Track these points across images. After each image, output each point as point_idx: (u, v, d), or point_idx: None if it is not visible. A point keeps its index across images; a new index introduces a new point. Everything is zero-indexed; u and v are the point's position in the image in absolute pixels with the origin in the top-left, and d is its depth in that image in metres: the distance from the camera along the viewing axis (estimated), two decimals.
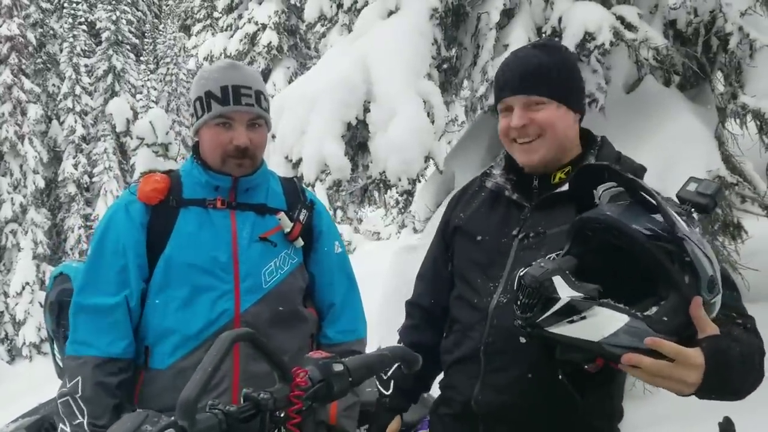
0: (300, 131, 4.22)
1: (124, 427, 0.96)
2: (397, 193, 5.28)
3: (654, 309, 1.22)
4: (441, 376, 1.83)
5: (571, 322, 1.22)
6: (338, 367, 1.24)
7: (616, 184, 1.34)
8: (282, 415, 1.16)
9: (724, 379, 1.22)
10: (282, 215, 1.95)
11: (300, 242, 1.98)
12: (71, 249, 25.65)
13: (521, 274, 1.31)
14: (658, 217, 1.24)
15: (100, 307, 1.81)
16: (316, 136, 4.15)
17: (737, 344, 1.25)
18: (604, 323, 1.21)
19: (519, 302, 1.30)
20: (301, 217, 1.98)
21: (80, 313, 1.83)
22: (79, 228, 26.23)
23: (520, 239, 1.62)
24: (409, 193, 6.07)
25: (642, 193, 1.25)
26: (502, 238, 1.65)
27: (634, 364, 1.19)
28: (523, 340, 1.47)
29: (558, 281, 1.24)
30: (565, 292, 1.22)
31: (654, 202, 1.23)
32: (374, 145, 4.12)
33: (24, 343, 20.71)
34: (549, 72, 1.59)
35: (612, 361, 1.23)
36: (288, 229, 1.94)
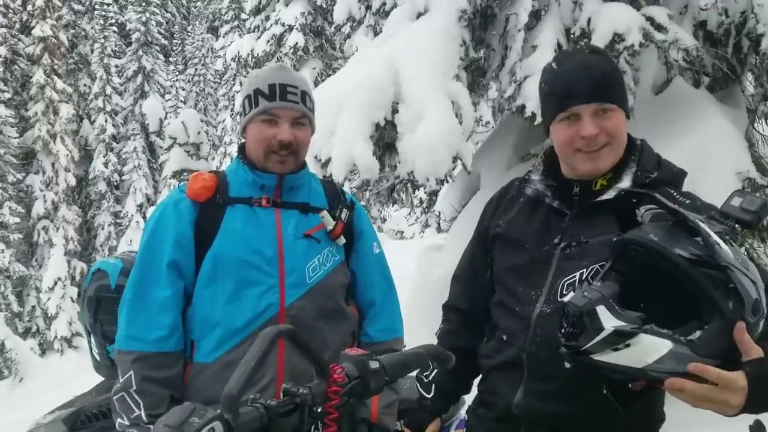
0: (329, 132, 4.26)
1: (173, 418, 0.99)
2: (425, 193, 5.29)
3: (698, 333, 1.23)
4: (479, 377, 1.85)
5: (616, 349, 1.24)
6: (374, 365, 1.26)
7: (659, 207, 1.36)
8: (319, 410, 1.19)
9: None
10: (325, 213, 1.99)
11: (342, 240, 2.02)
12: (101, 246, 26.09)
13: (565, 301, 1.32)
14: (702, 239, 1.24)
15: (151, 301, 1.85)
16: (345, 137, 4.17)
17: None
18: (648, 350, 1.22)
19: (563, 330, 1.31)
20: (343, 216, 2.03)
21: (131, 307, 1.87)
22: (109, 225, 26.67)
23: (562, 248, 1.60)
24: (434, 193, 6.08)
25: (688, 223, 1.26)
26: (543, 246, 1.64)
27: (678, 388, 1.22)
28: (567, 365, 1.46)
29: (602, 311, 1.25)
30: (610, 322, 1.24)
31: (699, 232, 1.23)
32: (402, 145, 4.13)
33: (55, 337, 21.10)
34: (615, 78, 1.57)
35: (655, 383, 1.25)
36: (330, 227, 1.99)
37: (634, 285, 1.34)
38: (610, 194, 1.59)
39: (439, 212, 6.49)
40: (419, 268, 5.81)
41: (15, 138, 24.00)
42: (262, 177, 1.94)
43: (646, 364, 1.23)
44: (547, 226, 1.66)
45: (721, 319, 1.22)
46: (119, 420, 1.81)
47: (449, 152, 3.94)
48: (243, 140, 2.03)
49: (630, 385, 1.33)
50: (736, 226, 1.31)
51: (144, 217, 23.73)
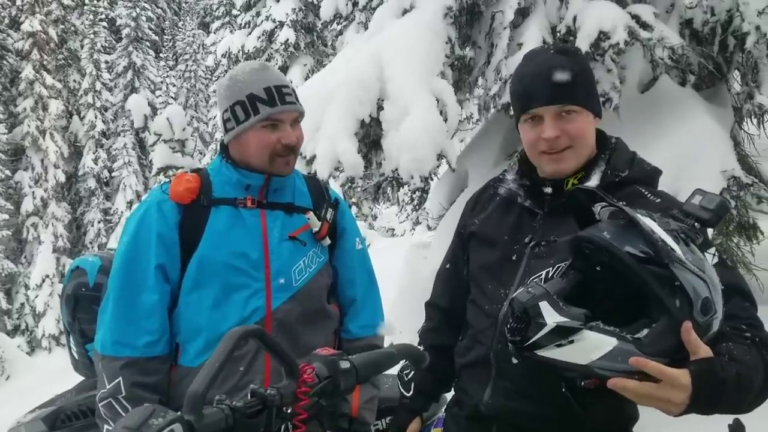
0: (314, 128, 4.23)
1: (132, 420, 0.97)
2: (409, 190, 5.29)
3: (645, 331, 1.23)
4: None
5: (560, 345, 1.24)
6: (345, 364, 1.24)
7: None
8: (289, 410, 1.17)
9: (716, 399, 1.22)
10: (311, 214, 1.98)
11: (327, 241, 2.01)
12: (91, 243, 25.96)
13: (511, 297, 1.33)
14: (643, 236, 1.23)
15: (140, 305, 1.81)
16: (330, 134, 4.15)
17: (735, 365, 1.24)
18: (592, 347, 1.22)
19: (509, 326, 1.31)
20: (329, 217, 2.01)
21: (117, 312, 1.82)
22: (99, 222, 26.54)
23: (531, 247, 1.61)
24: (423, 191, 6.07)
25: (631, 218, 1.25)
26: (514, 245, 1.65)
27: (620, 387, 1.21)
28: (515, 360, 1.48)
29: (545, 306, 1.24)
30: (552, 318, 1.23)
31: (641, 229, 1.22)
32: (387, 142, 4.11)
33: (44, 335, 21.00)
34: (577, 79, 1.55)
35: (603, 380, 1.24)
36: (316, 229, 1.97)
37: (595, 283, 1.33)
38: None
39: (428, 210, 6.48)
40: (407, 265, 5.82)
41: (4, 134, 23.87)
42: (247, 176, 1.91)
43: (590, 361, 1.22)
44: (519, 225, 1.67)
45: (668, 317, 1.21)
46: (107, 427, 1.78)
47: (434, 149, 3.93)
48: (225, 140, 1.97)
49: (583, 383, 1.32)
50: (696, 224, 1.30)
51: None
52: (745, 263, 4.34)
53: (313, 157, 4.22)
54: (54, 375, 13.63)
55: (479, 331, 1.66)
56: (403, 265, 5.94)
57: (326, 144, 4.16)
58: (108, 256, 2.56)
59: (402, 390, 1.91)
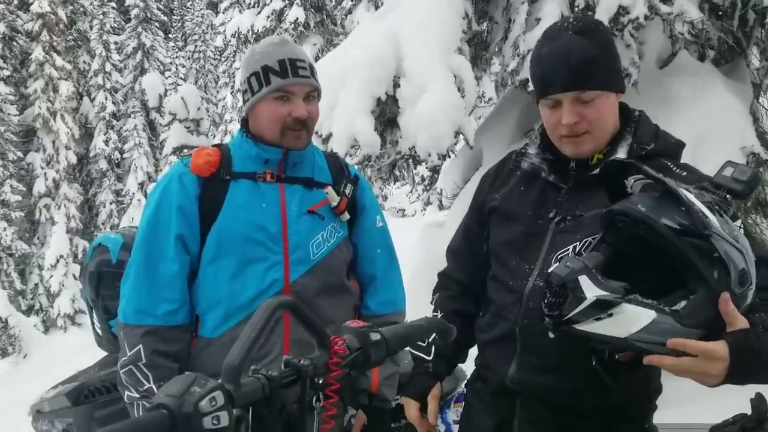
0: (330, 107, 4.23)
1: (175, 388, 0.97)
2: (426, 168, 5.28)
3: (682, 303, 1.23)
4: (475, 351, 1.84)
5: (599, 319, 1.24)
6: (375, 336, 1.25)
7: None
8: (321, 381, 1.18)
9: (753, 370, 1.23)
10: (329, 189, 1.99)
11: (346, 216, 2.01)
12: (103, 224, 26.12)
13: (548, 271, 1.33)
14: (684, 208, 1.23)
15: (160, 274, 1.84)
16: (346, 112, 4.15)
17: None
18: (631, 320, 1.22)
19: (546, 300, 1.31)
20: (347, 191, 2.02)
21: (138, 281, 1.86)
22: (111, 203, 26.67)
23: (556, 222, 1.60)
24: (435, 170, 6.05)
25: (671, 189, 1.24)
26: (538, 220, 1.63)
27: (656, 363, 1.22)
28: (551, 335, 1.47)
29: (584, 280, 1.25)
30: (591, 292, 1.23)
31: (681, 200, 1.22)
32: (404, 120, 4.11)
33: (59, 314, 21.23)
34: (597, 62, 1.51)
35: (640, 354, 1.25)
36: (335, 203, 1.98)
37: (625, 256, 1.33)
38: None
39: (441, 189, 6.47)
40: (421, 245, 5.82)
41: (15, 116, 23.94)
42: (266, 150, 1.92)
43: (629, 334, 1.23)
44: (543, 200, 1.65)
45: (706, 288, 1.21)
46: (127, 393, 1.82)
47: (451, 127, 3.92)
48: (244, 115, 2.00)
49: (617, 356, 1.33)
50: (727, 196, 1.29)
51: (145, 195, 23.72)
52: (763, 240, 4.32)
53: (330, 136, 4.22)
54: (70, 353, 13.83)
55: (503, 306, 1.65)
56: (417, 245, 5.95)
57: (342, 122, 4.15)
58: (130, 233, 2.58)
59: (422, 355, 1.84)
